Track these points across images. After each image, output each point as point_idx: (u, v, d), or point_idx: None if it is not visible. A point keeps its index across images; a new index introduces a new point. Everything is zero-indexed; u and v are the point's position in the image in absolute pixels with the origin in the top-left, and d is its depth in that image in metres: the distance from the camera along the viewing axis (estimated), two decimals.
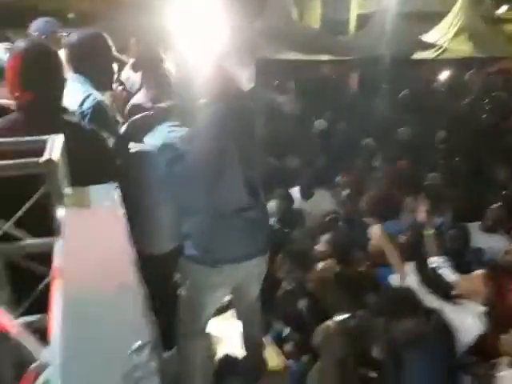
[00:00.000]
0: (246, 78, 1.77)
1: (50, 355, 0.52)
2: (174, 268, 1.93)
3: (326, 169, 3.94)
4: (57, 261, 0.69)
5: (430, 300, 2.05)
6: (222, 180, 1.72)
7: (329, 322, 2.07)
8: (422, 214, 2.42)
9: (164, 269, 1.98)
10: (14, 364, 0.88)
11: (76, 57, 1.99)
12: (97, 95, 1.93)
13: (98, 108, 1.88)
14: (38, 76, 1.49)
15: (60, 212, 0.82)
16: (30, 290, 0.93)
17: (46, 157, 0.85)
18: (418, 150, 4.40)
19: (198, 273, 1.81)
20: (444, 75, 7.61)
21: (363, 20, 9.94)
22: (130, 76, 3.22)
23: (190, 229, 1.82)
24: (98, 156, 1.58)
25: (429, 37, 9.21)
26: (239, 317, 2.16)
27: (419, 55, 8.82)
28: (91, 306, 0.54)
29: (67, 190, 0.87)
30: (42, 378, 0.50)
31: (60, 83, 1.57)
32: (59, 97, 1.57)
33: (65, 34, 2.75)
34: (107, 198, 0.83)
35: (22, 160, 0.84)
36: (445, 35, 9.08)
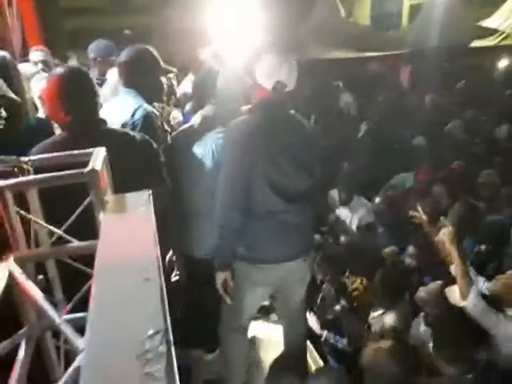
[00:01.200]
0: (288, 79, 1.81)
1: (84, 343, 0.60)
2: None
3: (369, 172, 3.81)
4: (96, 262, 0.78)
5: (488, 317, 1.89)
6: (252, 186, 1.79)
7: (380, 344, 1.98)
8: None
9: (210, 270, 2.08)
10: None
11: (126, 72, 2.16)
12: (147, 107, 2.08)
13: (148, 118, 2.03)
14: (74, 100, 1.68)
15: (101, 217, 0.92)
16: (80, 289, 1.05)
17: (89, 168, 0.96)
18: (473, 146, 4.17)
19: (239, 269, 1.91)
20: (504, 63, 7.13)
21: (417, 11, 9.54)
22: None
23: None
24: (143, 160, 1.72)
25: (489, 23, 8.66)
26: (282, 319, 2.20)
27: (478, 43, 8.32)
28: (117, 298, 0.62)
29: (108, 197, 0.97)
30: (74, 364, 0.58)
31: (94, 102, 1.75)
32: (95, 113, 1.76)
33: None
34: (142, 203, 0.91)
35: (69, 171, 0.95)
36: (506, 20, 8.51)
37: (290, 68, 1.82)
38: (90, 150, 1.07)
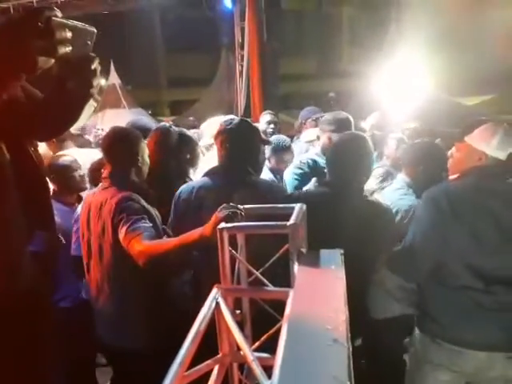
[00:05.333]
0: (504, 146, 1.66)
1: None
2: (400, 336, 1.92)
3: None
4: (287, 309, 0.84)
5: None
6: (445, 254, 1.67)
7: None
8: None
9: (388, 334, 1.99)
10: None
11: None
12: None
13: None
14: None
15: (296, 268, 0.99)
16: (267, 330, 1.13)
17: (291, 221, 1.06)
18: None
19: (419, 342, 1.78)
20: None
21: None
22: None
23: (420, 296, 1.83)
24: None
25: None
26: None
27: None
28: (305, 352, 0.65)
29: (303, 250, 1.04)
30: None
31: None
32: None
33: (321, 116, 3.25)
34: (333, 262, 0.95)
35: (274, 222, 1.07)
36: None
37: (506, 131, 1.66)
38: (293, 205, 1.18)
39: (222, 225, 1.06)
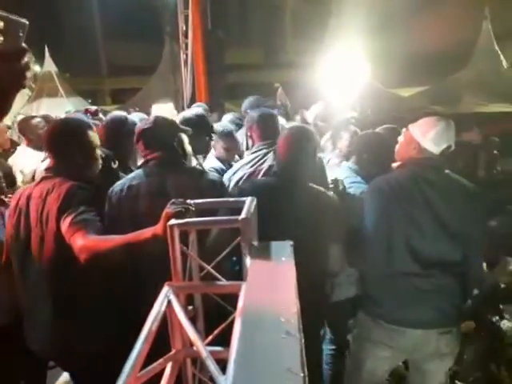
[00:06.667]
0: (443, 139, 1.75)
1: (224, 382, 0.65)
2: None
3: None
4: (240, 302, 0.85)
5: None
6: (391, 241, 1.76)
7: None
8: None
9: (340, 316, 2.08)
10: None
11: None
12: None
13: None
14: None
15: (247, 261, 1.00)
16: (219, 324, 1.14)
17: (242, 215, 1.06)
18: None
19: (362, 323, 1.90)
20: None
21: None
22: None
23: (363, 279, 1.96)
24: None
25: None
26: None
27: None
28: (259, 346, 0.66)
29: (254, 243, 1.05)
30: None
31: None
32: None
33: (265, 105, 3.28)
34: (284, 253, 0.97)
35: (225, 217, 1.07)
36: None
37: (447, 127, 1.75)
38: (244, 198, 1.18)
39: (173, 221, 1.04)
